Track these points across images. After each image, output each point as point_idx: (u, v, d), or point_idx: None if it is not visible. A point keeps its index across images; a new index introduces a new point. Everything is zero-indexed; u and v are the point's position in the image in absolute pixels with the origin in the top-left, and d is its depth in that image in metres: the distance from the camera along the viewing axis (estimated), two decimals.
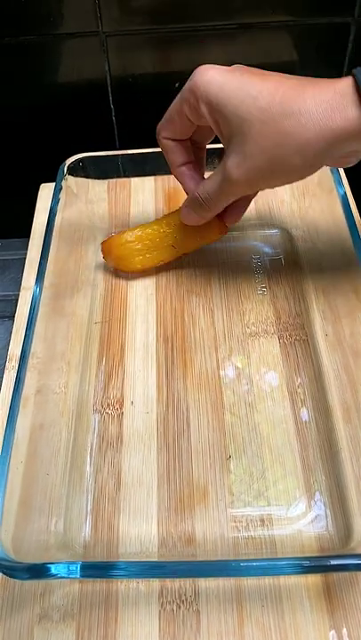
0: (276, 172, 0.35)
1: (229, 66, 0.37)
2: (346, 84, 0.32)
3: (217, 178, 0.38)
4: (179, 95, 0.38)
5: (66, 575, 0.28)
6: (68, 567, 0.28)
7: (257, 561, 0.30)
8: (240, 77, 0.35)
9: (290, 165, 0.34)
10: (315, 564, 0.29)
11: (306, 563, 0.28)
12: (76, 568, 0.28)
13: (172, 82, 0.53)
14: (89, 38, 0.50)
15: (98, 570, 0.30)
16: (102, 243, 0.46)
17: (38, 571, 0.28)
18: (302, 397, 0.40)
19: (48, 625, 0.32)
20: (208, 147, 0.43)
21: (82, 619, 0.32)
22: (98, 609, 0.32)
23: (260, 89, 0.34)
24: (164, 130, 0.40)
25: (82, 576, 0.28)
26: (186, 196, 0.42)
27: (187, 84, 0.37)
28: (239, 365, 0.42)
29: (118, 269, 0.47)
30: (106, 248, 0.46)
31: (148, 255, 0.45)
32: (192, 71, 0.53)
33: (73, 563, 0.28)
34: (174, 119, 0.39)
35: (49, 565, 0.28)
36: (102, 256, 0.46)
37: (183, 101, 0.37)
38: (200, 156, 0.43)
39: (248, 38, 0.51)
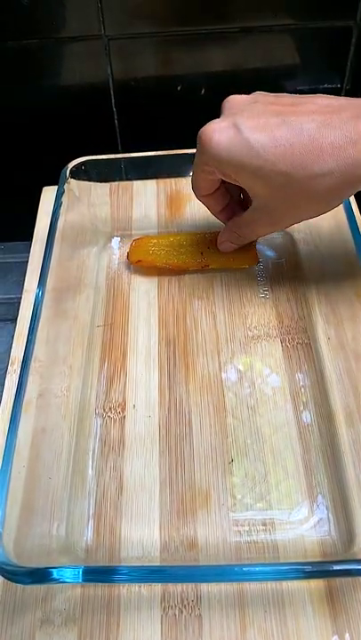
0: (304, 217, 0.38)
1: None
2: None
3: (248, 220, 0.40)
4: (194, 165, 0.38)
5: (68, 580, 0.28)
6: (71, 572, 0.28)
7: (259, 566, 0.30)
8: (248, 136, 0.34)
9: (317, 212, 0.37)
10: (317, 570, 0.29)
11: (308, 568, 0.28)
12: (79, 572, 0.28)
13: (175, 85, 0.54)
14: (91, 42, 0.50)
15: (100, 574, 0.29)
16: (134, 240, 0.47)
17: (41, 575, 0.28)
18: (305, 401, 0.40)
19: (50, 629, 0.32)
20: None
21: (84, 623, 0.32)
22: (100, 613, 0.32)
23: (273, 152, 0.34)
24: (197, 190, 0.41)
25: (84, 581, 0.28)
26: None
27: (197, 157, 0.37)
28: (241, 369, 0.42)
29: (140, 264, 0.47)
30: (137, 243, 0.47)
31: (175, 254, 0.46)
32: (194, 75, 0.53)
33: (75, 567, 0.28)
34: (200, 185, 0.40)
35: (51, 570, 0.28)
36: (129, 250, 0.47)
37: (200, 172, 0.38)
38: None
39: (250, 42, 0.51)
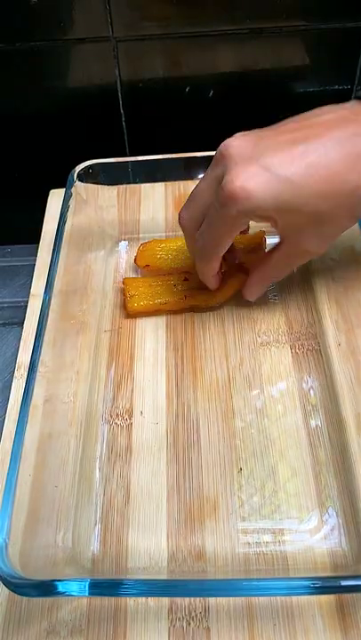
0: (339, 233, 0.37)
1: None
2: None
3: (283, 258, 0.39)
4: (221, 220, 0.35)
5: (75, 593, 0.27)
6: (77, 585, 0.27)
7: (268, 581, 0.29)
8: (284, 174, 0.33)
9: (354, 221, 0.36)
10: (327, 585, 0.28)
11: (317, 583, 0.28)
12: (85, 586, 0.27)
13: (183, 87, 0.53)
14: (100, 44, 0.50)
15: (107, 588, 0.29)
16: (142, 244, 0.47)
17: (46, 588, 0.28)
18: (315, 408, 0.39)
19: None
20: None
21: (90, 634, 0.31)
22: (106, 624, 0.32)
23: (315, 180, 0.33)
24: (216, 255, 0.39)
25: (91, 594, 0.28)
26: None
27: (226, 213, 0.34)
28: (250, 375, 0.41)
29: (148, 268, 0.46)
30: (145, 247, 0.46)
31: (183, 258, 0.46)
32: (202, 77, 0.52)
33: (82, 580, 0.28)
34: (223, 243, 0.38)
35: (57, 583, 0.28)
36: (136, 254, 0.46)
37: (231, 229, 0.36)
38: None
39: (260, 43, 0.50)
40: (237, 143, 0.35)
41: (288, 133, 0.34)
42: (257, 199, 0.33)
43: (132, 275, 0.47)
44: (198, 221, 0.38)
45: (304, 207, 0.34)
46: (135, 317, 0.45)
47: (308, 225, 0.35)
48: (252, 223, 0.40)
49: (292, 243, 0.38)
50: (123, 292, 0.45)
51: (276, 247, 0.39)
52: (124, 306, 0.45)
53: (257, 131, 0.36)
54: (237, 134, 0.36)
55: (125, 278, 0.46)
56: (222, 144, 0.35)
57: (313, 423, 0.38)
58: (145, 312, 0.44)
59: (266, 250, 0.46)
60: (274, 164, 0.33)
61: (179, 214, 0.39)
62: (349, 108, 0.35)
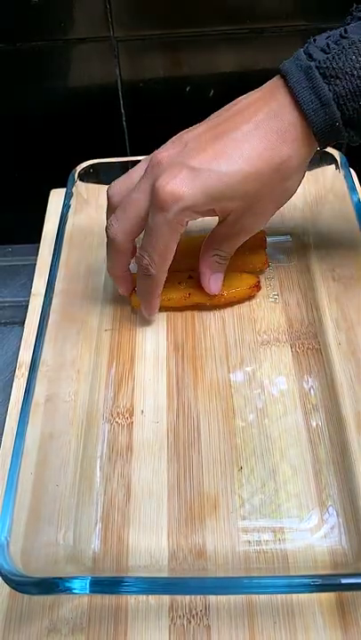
0: (287, 200, 0.39)
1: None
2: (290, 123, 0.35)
3: (227, 234, 0.40)
4: (162, 228, 0.36)
5: (76, 591, 0.27)
6: (78, 583, 0.27)
7: (268, 579, 0.30)
8: (210, 168, 0.35)
9: (294, 189, 0.38)
10: (327, 583, 0.28)
11: (318, 581, 0.28)
12: (86, 584, 0.27)
13: (183, 87, 0.53)
14: (100, 43, 0.50)
15: (108, 586, 0.29)
16: None
17: (48, 586, 0.28)
18: (315, 408, 0.39)
19: (57, 638, 0.31)
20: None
21: (91, 632, 0.32)
22: (107, 622, 0.32)
23: (241, 168, 0.35)
24: (164, 265, 0.39)
25: (92, 592, 0.28)
26: None
27: (161, 219, 0.36)
28: (251, 374, 0.41)
29: None
30: None
31: (184, 257, 0.45)
32: (203, 76, 0.53)
33: (83, 578, 0.28)
34: (170, 249, 0.38)
35: (58, 581, 0.28)
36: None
37: (172, 232, 0.37)
38: None
39: (260, 43, 0.50)
40: (165, 152, 0.37)
41: (211, 130, 0.36)
42: (189, 198, 0.35)
43: None
44: (132, 234, 0.39)
45: (234, 193, 0.36)
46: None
47: (241, 207, 0.37)
48: None
49: (229, 223, 0.39)
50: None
51: (217, 226, 0.40)
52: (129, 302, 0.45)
53: (183, 133, 0.38)
54: (165, 144, 0.38)
55: (133, 273, 0.46)
56: (151, 155, 0.38)
57: (313, 422, 0.39)
58: None
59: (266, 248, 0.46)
60: (200, 163, 0.35)
61: (107, 228, 0.39)
62: (267, 86, 0.37)
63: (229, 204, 0.37)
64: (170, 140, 0.38)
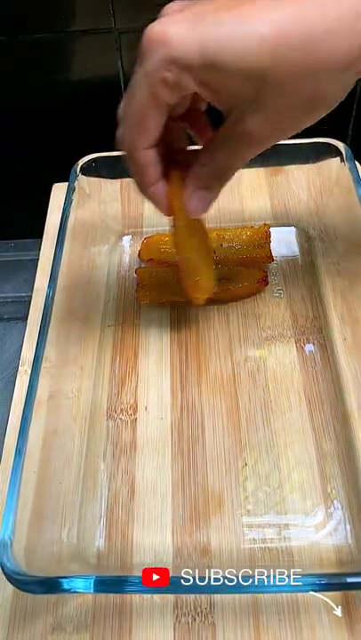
0: (313, 112, 0.28)
1: None
2: None
3: (229, 142, 0.30)
4: (139, 84, 0.28)
5: (80, 590, 0.27)
6: (82, 582, 0.27)
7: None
8: (210, 19, 0.26)
9: (326, 98, 0.28)
10: (333, 582, 0.28)
11: (323, 580, 0.27)
12: (90, 583, 0.27)
13: None
14: (102, 35, 0.49)
15: (112, 585, 0.29)
16: (146, 238, 0.47)
17: (52, 585, 0.28)
18: (320, 403, 0.39)
19: (61, 636, 0.31)
20: None
21: (95, 630, 0.32)
22: (112, 620, 0.32)
23: (270, 32, 0.25)
24: (139, 138, 0.30)
25: (96, 591, 0.28)
26: None
27: (149, 64, 0.27)
28: (255, 370, 0.41)
29: (151, 262, 0.46)
30: (148, 241, 0.46)
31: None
32: None
33: (87, 577, 0.28)
34: (146, 118, 0.30)
35: (62, 580, 0.28)
36: (140, 248, 0.47)
37: (156, 86, 0.28)
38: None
39: None
40: (172, 4, 0.29)
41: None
42: (179, 47, 0.26)
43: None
44: (139, 137, 0.31)
45: (242, 64, 0.26)
46: (146, 306, 0.44)
47: (247, 95, 0.27)
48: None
49: (230, 122, 0.29)
50: (135, 281, 0.45)
51: (218, 128, 0.31)
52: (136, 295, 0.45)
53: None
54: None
55: (138, 268, 0.46)
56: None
57: (318, 418, 0.38)
58: (155, 302, 0.44)
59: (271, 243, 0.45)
60: (210, 10, 0.26)
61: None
62: None
63: (231, 82, 0.27)
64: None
